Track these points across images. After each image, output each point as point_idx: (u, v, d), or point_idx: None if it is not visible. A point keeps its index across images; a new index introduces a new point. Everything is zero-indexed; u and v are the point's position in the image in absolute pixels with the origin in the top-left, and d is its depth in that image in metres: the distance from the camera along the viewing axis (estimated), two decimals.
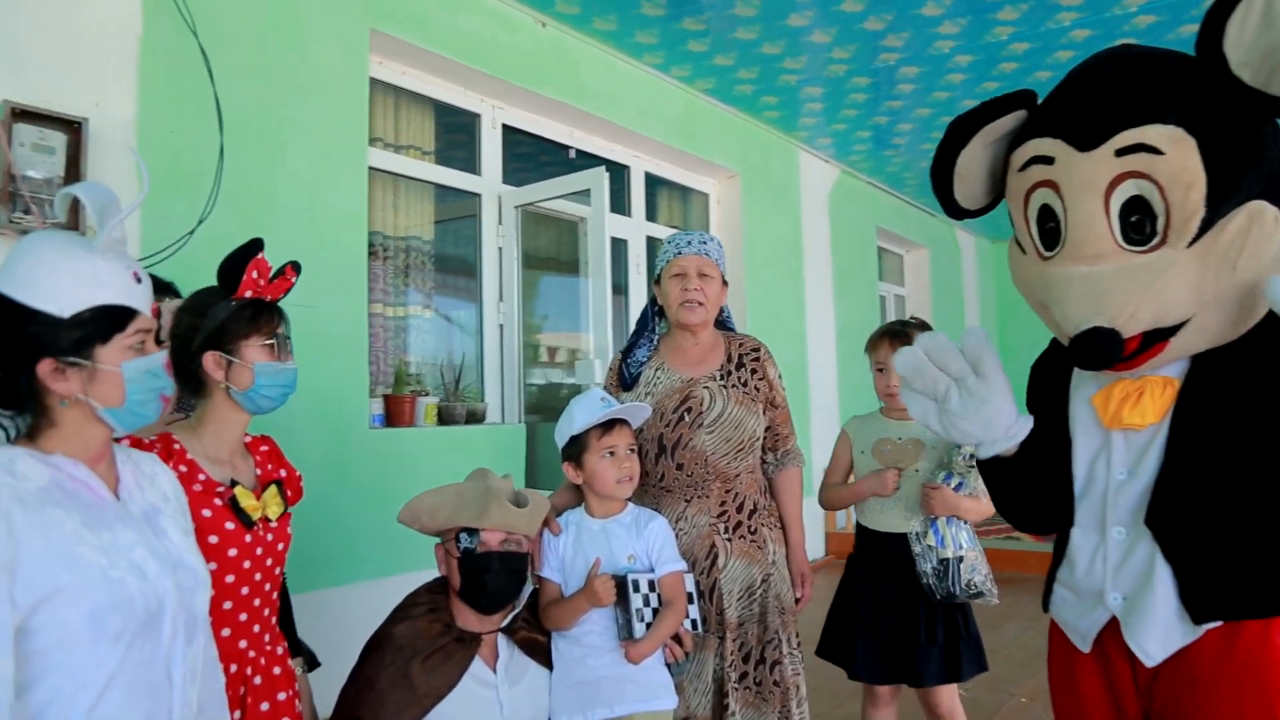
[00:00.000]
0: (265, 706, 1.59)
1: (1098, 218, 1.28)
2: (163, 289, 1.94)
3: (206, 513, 1.52)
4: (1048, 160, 1.33)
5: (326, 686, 1.96)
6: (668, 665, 2.11)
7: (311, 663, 2.06)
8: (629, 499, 2.19)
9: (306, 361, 3.07)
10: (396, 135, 4.14)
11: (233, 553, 1.55)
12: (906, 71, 5.27)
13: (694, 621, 2.13)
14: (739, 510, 2.33)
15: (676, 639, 2.10)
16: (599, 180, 4.16)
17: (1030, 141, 1.37)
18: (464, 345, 4.56)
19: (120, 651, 1.18)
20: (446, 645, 1.92)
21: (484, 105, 4.49)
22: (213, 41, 3.02)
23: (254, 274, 1.59)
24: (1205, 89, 1.24)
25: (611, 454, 2.12)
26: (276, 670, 1.64)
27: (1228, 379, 1.30)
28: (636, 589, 2.01)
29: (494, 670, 1.95)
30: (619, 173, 5.44)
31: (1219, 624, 1.29)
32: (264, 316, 1.61)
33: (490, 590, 1.93)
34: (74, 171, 2.64)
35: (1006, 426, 1.47)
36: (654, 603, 2.04)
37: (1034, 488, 1.54)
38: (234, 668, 1.55)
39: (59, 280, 1.20)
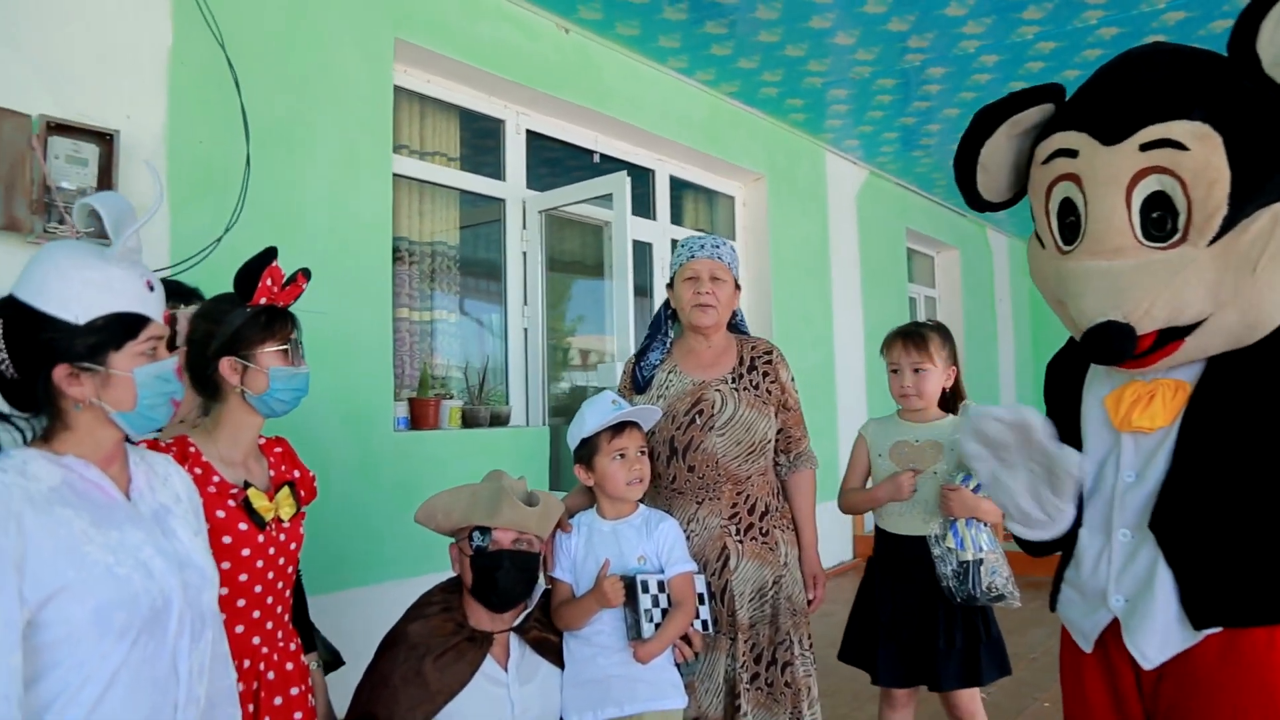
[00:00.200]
0: (279, 701, 1.63)
1: (1118, 212, 1.27)
2: (189, 295, 1.99)
3: (220, 514, 1.56)
4: (1071, 153, 1.33)
5: (352, 685, 2.00)
6: (678, 665, 2.12)
7: (336, 661, 2.10)
8: (640, 501, 2.21)
9: (332, 365, 3.16)
10: (422, 142, 4.20)
11: (246, 552, 1.59)
12: (933, 72, 5.23)
13: (705, 622, 2.15)
14: (750, 512, 2.34)
15: (686, 639, 2.11)
16: (621, 185, 4.18)
17: (1055, 135, 1.36)
18: (489, 349, 4.60)
19: (126, 646, 1.22)
20: (459, 644, 1.95)
21: (508, 111, 4.53)
22: (240, 53, 3.09)
23: (269, 281, 1.63)
24: (1235, 88, 1.22)
25: (622, 456, 2.14)
26: (290, 666, 1.68)
27: (1240, 386, 1.29)
28: (645, 590, 2.03)
29: (505, 669, 1.98)
30: (643, 177, 5.45)
31: (1219, 630, 1.28)
32: (278, 322, 1.65)
33: (501, 588, 1.96)
34: (105, 182, 2.70)
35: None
36: (663, 603, 2.05)
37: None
38: (248, 663, 1.59)
39: (74, 288, 1.24)
